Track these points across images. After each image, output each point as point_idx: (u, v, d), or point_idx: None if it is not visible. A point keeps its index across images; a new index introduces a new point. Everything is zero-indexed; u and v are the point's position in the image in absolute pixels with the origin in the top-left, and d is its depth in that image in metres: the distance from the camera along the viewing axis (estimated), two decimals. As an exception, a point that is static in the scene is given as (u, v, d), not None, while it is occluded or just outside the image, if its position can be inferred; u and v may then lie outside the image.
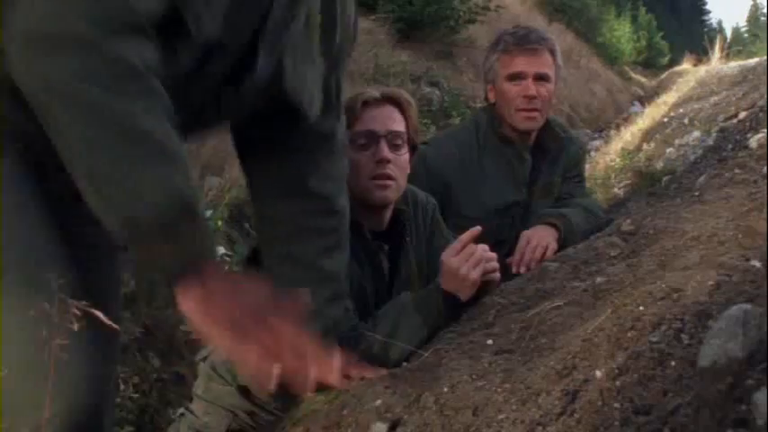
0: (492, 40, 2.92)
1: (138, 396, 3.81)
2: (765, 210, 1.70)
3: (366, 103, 2.13)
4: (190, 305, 1.27)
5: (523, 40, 2.74)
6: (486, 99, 2.85)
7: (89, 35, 1.16)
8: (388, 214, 2.20)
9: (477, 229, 1.97)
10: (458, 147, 2.75)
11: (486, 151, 2.77)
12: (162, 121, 1.22)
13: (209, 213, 4.89)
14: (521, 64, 2.71)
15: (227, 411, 2.36)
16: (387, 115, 2.16)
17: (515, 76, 2.71)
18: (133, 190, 1.18)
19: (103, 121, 1.17)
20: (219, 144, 5.91)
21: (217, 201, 5.18)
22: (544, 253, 2.39)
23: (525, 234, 2.48)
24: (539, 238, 2.44)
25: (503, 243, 2.55)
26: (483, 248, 1.95)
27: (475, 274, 1.92)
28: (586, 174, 3.49)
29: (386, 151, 2.12)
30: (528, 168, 2.78)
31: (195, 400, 2.45)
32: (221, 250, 4.71)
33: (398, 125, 2.18)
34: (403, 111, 2.19)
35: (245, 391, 2.32)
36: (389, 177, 2.14)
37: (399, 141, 2.17)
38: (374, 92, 2.19)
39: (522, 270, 2.35)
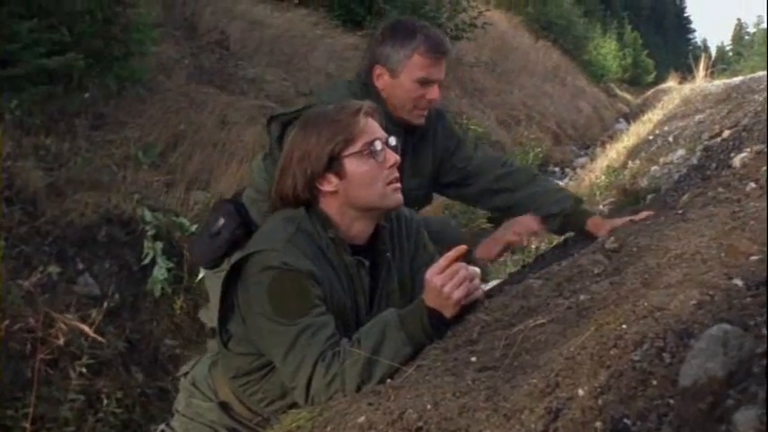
0: (394, 27, 2.84)
1: (122, 411, 3.79)
2: (748, 228, 1.71)
3: (366, 114, 2.15)
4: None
5: (440, 48, 2.76)
6: (368, 77, 2.82)
7: None
8: (371, 227, 2.21)
9: (463, 247, 1.97)
10: None
11: None
12: None
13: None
14: (435, 71, 2.75)
15: (207, 428, 2.34)
16: (377, 124, 2.18)
17: (426, 81, 2.73)
18: None
19: None
20: (206, 159, 5.92)
21: (203, 215, 5.18)
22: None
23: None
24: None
25: None
26: (467, 267, 1.96)
27: (458, 294, 1.92)
28: (573, 191, 3.51)
29: (395, 156, 2.14)
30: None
31: (176, 417, 2.44)
32: (206, 265, 4.69)
33: None
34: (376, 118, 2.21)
35: (225, 407, 2.31)
36: (399, 180, 2.16)
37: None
38: (360, 103, 2.20)
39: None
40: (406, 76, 2.73)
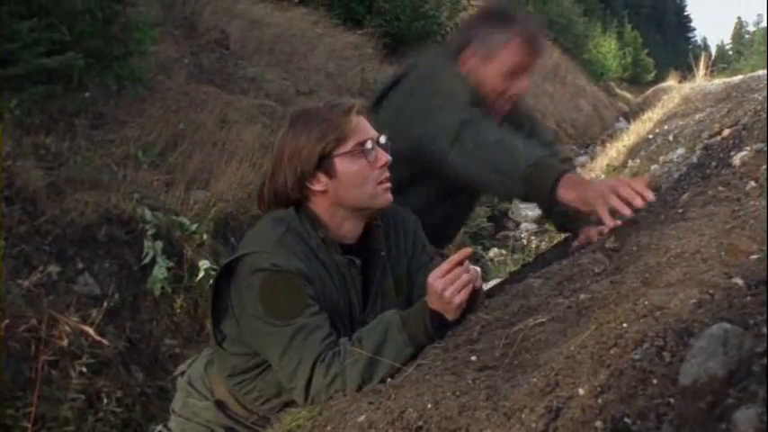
0: (489, 12, 2.73)
1: (122, 410, 3.79)
2: (748, 227, 1.71)
3: (358, 113, 2.14)
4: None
5: (541, 41, 2.68)
6: (456, 58, 2.68)
7: None
8: (361, 227, 2.20)
9: (468, 250, 1.96)
10: None
11: None
12: None
13: (194, 227, 4.89)
14: (534, 64, 2.65)
15: (204, 428, 2.34)
16: (368, 123, 2.17)
17: (517, 72, 2.63)
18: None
19: None
20: (206, 158, 5.92)
21: (203, 215, 5.18)
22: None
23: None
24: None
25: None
26: (467, 269, 1.95)
27: (459, 299, 1.91)
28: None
29: (386, 155, 2.13)
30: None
31: (172, 417, 2.43)
32: (206, 264, 4.70)
33: None
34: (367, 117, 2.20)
35: (221, 406, 2.31)
36: (390, 180, 2.15)
37: None
38: (352, 101, 2.19)
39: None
40: (497, 65, 2.62)
